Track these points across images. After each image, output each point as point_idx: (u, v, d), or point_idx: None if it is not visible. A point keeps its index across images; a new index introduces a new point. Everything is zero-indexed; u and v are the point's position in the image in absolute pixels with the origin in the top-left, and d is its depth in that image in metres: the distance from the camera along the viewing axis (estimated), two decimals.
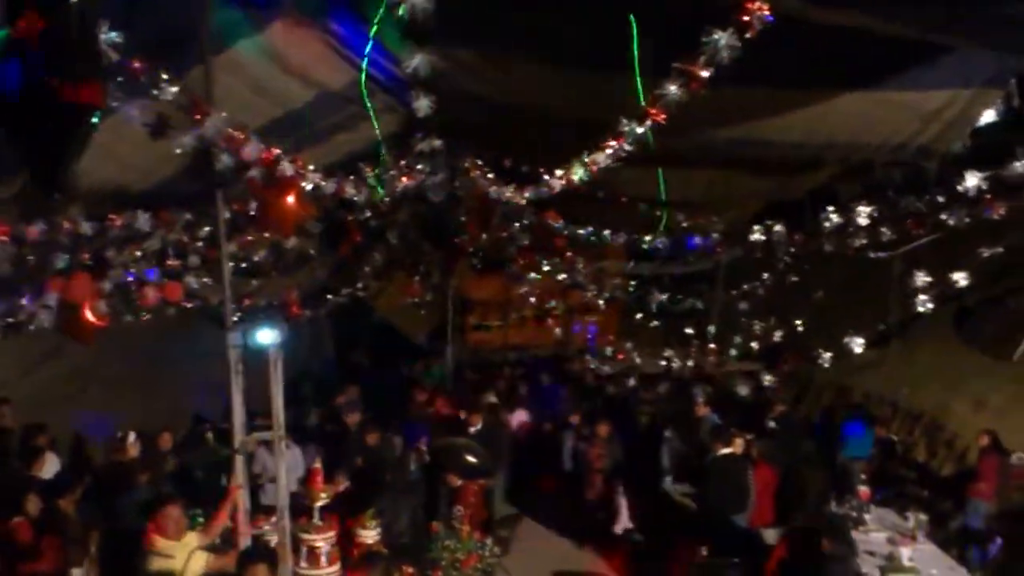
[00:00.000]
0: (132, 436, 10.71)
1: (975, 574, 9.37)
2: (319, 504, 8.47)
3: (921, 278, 9.56)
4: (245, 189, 8.54)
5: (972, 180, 8.18)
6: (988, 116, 8.95)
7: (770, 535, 10.41)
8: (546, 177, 9.74)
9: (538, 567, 11.72)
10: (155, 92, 6.04)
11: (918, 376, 14.96)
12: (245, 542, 8.14)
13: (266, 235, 11.11)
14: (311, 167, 8.35)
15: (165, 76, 6.05)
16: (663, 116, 6.25)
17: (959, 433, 13.38)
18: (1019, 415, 12.46)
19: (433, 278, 19.56)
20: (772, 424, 12.99)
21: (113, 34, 5.30)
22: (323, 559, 8.35)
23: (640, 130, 6.56)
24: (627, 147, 7.05)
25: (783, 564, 9.01)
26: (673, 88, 5.96)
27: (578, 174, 8.22)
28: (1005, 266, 11.43)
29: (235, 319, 8.30)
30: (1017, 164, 7.67)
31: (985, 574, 9.77)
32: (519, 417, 16.01)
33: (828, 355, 10.59)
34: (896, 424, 14.73)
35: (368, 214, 12.76)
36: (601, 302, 18.73)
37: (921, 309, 9.58)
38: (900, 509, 11.04)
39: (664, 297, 18.37)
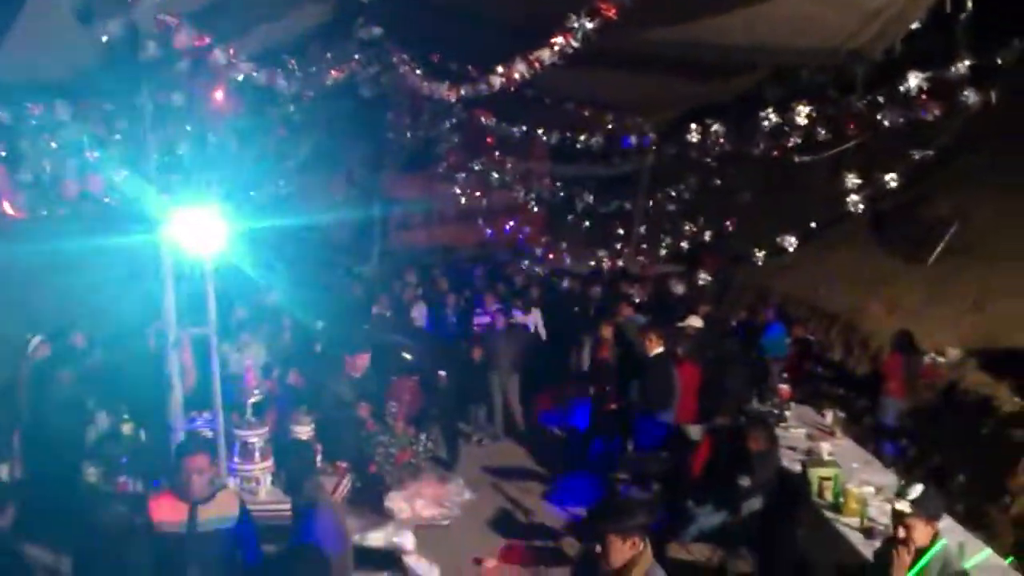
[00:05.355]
0: (36, 340, 10.29)
1: (890, 468, 9.70)
2: (252, 400, 8.44)
3: (852, 179, 9.67)
4: (168, 80, 8.24)
5: (913, 80, 8.26)
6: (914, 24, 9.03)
7: (694, 431, 10.64)
8: (483, 76, 9.54)
9: (469, 462, 11.91)
10: None
11: (834, 278, 15.32)
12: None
13: (187, 128, 10.77)
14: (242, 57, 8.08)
15: None
16: (613, 11, 6.14)
17: (873, 333, 13.77)
18: (932, 317, 12.85)
19: (357, 176, 19.24)
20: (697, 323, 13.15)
21: None
22: (257, 455, 8.36)
23: (590, 25, 6.44)
24: (574, 44, 6.90)
25: (709, 460, 9.25)
26: None
27: (520, 71, 8.03)
28: (918, 172, 11.64)
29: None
30: (959, 65, 7.78)
31: (898, 469, 10.13)
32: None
33: (761, 253, 10.70)
34: (812, 325, 15.08)
35: (292, 108, 12.44)
36: (532, 204, 18.64)
37: (852, 210, 9.71)
38: (817, 407, 11.39)
39: (591, 198, 18.41)
